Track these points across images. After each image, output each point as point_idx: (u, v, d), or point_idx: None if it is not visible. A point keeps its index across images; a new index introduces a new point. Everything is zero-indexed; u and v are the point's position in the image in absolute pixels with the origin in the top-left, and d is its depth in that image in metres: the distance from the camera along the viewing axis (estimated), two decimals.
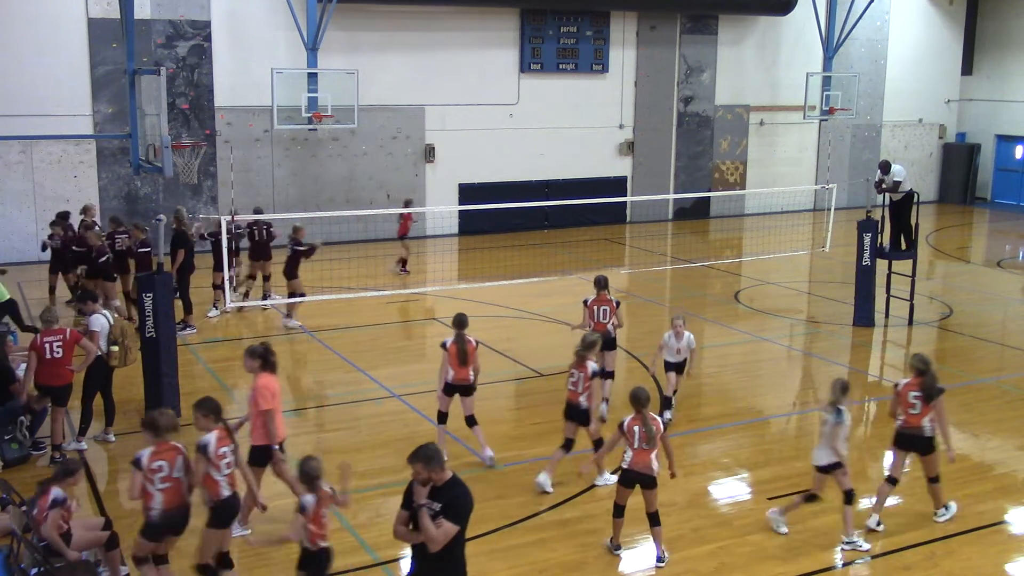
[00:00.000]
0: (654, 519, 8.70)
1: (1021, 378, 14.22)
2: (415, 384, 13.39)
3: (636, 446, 8.49)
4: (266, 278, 17.59)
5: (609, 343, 12.05)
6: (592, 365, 10.01)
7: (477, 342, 10.79)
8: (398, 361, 15.09)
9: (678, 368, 12.01)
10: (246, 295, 17.62)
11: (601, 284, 12.21)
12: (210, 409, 7.83)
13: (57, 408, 10.70)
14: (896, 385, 9.58)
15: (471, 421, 10.87)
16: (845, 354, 15.64)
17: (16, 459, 10.55)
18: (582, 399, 9.98)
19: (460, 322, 10.76)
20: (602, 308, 12.08)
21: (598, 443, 10.01)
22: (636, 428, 8.52)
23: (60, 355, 10.48)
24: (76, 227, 17.35)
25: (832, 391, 8.96)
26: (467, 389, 10.78)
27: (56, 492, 7.84)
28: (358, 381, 14.00)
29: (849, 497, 9.01)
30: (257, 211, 18.47)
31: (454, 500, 6.18)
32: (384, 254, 21.43)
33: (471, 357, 10.65)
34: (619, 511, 8.82)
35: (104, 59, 21.36)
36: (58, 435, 10.75)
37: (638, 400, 8.63)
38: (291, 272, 16.09)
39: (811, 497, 9.18)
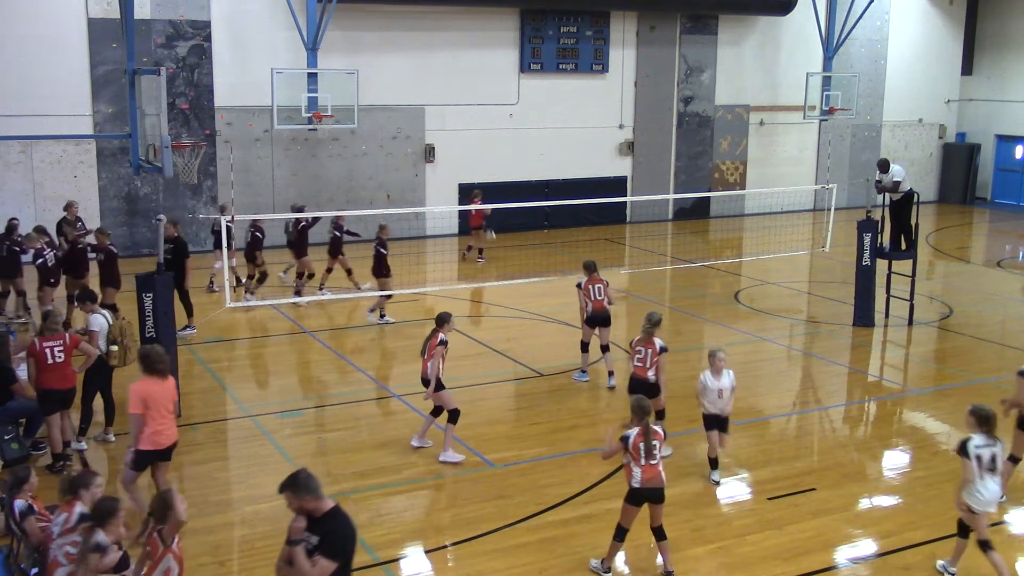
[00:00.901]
0: (660, 533, 8.45)
1: None
2: (415, 384, 13.36)
3: (643, 462, 8.14)
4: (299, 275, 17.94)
5: (605, 319, 13.24)
6: (659, 342, 10.73)
7: (444, 342, 10.69)
8: (398, 361, 15.09)
9: (721, 423, 10.40)
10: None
11: (591, 268, 13.38)
12: (64, 489, 7.48)
13: (64, 411, 10.66)
14: (1021, 372, 9.73)
15: (446, 415, 10.96)
16: (845, 354, 15.64)
17: (16, 459, 10.52)
18: (649, 374, 10.68)
19: (437, 319, 10.96)
20: (596, 286, 13.25)
21: (660, 413, 10.84)
22: (642, 445, 8.17)
23: (62, 359, 10.48)
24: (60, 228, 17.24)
25: (987, 421, 8.17)
26: (426, 383, 10.87)
27: (19, 504, 7.82)
28: (358, 381, 14.00)
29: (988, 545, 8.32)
30: (298, 208, 18.65)
31: (331, 533, 5.78)
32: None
33: (428, 351, 10.73)
34: (622, 535, 8.34)
35: (104, 59, 21.36)
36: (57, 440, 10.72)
37: (642, 410, 8.34)
38: (379, 271, 16.31)
39: (986, 542, 8.29)
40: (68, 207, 17.73)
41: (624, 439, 8.24)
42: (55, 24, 21.03)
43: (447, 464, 10.80)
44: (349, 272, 18.05)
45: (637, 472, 8.14)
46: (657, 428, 8.41)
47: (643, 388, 10.47)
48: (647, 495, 8.21)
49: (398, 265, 19.88)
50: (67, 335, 10.68)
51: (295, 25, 22.16)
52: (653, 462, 8.15)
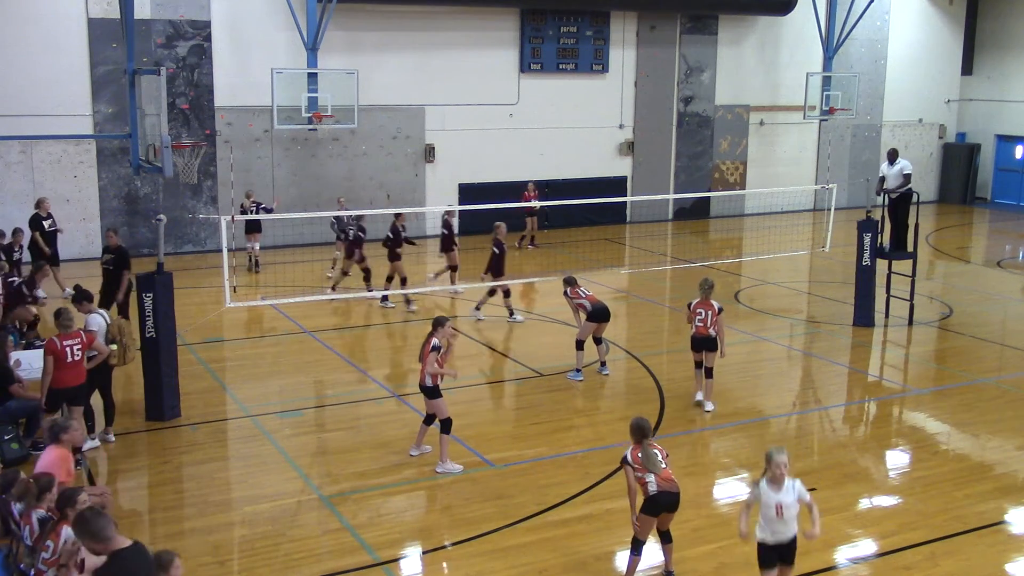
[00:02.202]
0: (667, 536, 8.38)
1: (1021, 378, 14.20)
2: (415, 384, 13.37)
3: (652, 471, 7.98)
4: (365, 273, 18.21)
5: (606, 313, 13.72)
6: (715, 303, 12.22)
7: (436, 347, 10.48)
8: (398, 361, 15.08)
9: (786, 554, 7.62)
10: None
11: (571, 282, 14.08)
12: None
13: (75, 408, 10.64)
14: None
15: (438, 423, 10.67)
16: (845, 354, 15.64)
17: (16, 459, 10.53)
18: (711, 331, 12.17)
19: (433, 321, 10.79)
20: (581, 289, 14.02)
21: (708, 372, 12.42)
22: (640, 454, 8.03)
23: (79, 357, 10.50)
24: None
25: None
26: (422, 389, 10.67)
27: (39, 513, 7.80)
28: (358, 381, 14.00)
29: None
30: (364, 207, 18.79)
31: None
32: (384, 254, 21.46)
33: (424, 357, 10.53)
34: (639, 548, 8.08)
35: (104, 59, 21.36)
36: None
37: (641, 431, 8.14)
38: (498, 270, 16.74)
39: None
40: (39, 204, 17.75)
41: (623, 460, 8.15)
42: (55, 24, 21.04)
43: (446, 475, 10.57)
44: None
45: (652, 479, 7.96)
46: (657, 444, 8.24)
47: (705, 344, 12.26)
48: (665, 503, 8.00)
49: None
50: (82, 333, 10.68)
51: (295, 25, 22.16)
52: (663, 467, 8.03)
